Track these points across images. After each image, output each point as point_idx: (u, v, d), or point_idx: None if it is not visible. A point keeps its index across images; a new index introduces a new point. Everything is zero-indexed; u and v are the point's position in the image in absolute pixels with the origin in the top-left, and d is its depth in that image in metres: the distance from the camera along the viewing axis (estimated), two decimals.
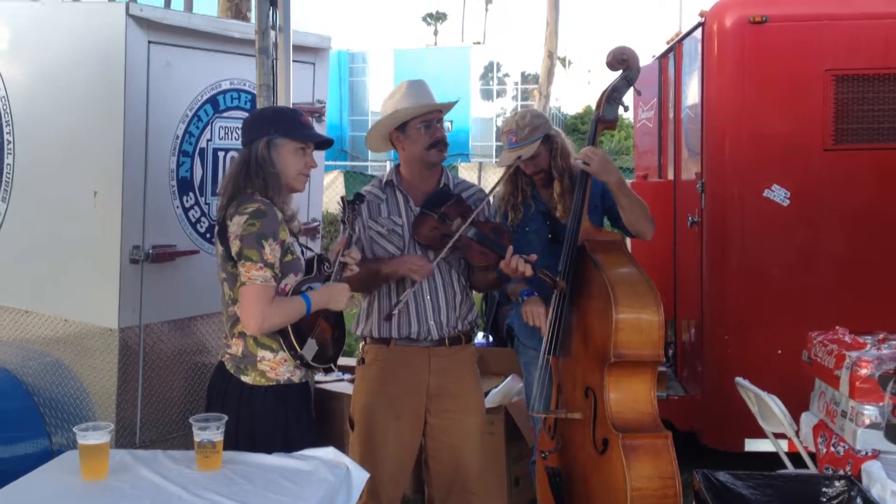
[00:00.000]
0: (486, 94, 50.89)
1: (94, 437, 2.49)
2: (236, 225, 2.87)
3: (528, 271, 3.26)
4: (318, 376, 4.64)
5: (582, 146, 3.62)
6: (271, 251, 2.86)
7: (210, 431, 2.56)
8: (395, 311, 3.38)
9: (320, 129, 4.61)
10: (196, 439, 2.56)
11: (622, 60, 3.51)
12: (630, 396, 3.21)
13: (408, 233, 3.47)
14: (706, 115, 5.05)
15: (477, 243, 3.35)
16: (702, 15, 5.12)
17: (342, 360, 3.25)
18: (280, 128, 3.03)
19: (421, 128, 3.45)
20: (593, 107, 3.80)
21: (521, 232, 3.80)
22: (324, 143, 3.21)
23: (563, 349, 3.49)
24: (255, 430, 2.91)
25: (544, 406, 3.61)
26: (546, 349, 3.50)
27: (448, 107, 3.54)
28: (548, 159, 3.79)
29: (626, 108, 3.58)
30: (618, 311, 3.16)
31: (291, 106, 4.00)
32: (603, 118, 3.53)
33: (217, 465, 2.58)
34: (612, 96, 3.52)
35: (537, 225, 3.84)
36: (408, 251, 3.46)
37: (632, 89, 3.56)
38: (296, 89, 4.24)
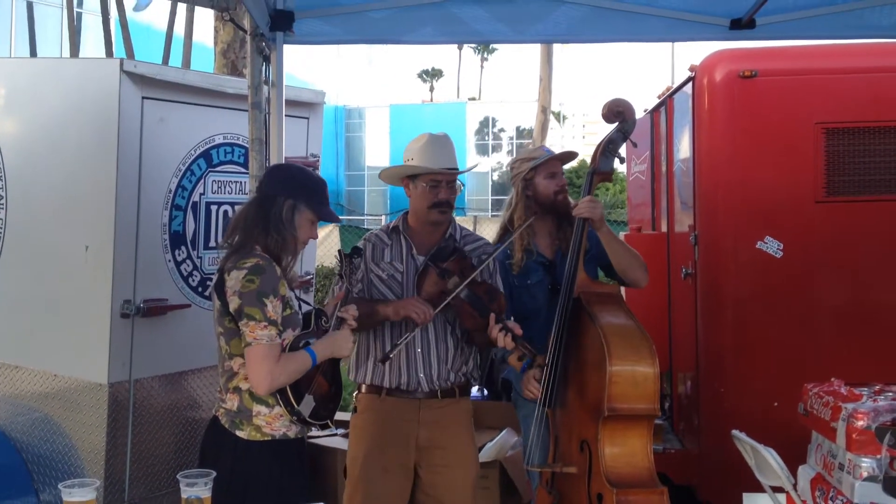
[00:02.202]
0: (482, 149, 51.35)
1: (80, 493, 2.44)
2: (234, 280, 2.85)
3: (509, 344, 3.26)
4: (312, 431, 4.58)
5: (577, 200, 3.62)
6: (273, 308, 2.84)
7: (198, 488, 2.51)
8: (393, 354, 3.35)
9: None
10: (183, 496, 2.51)
11: (618, 112, 3.52)
12: (625, 451, 3.15)
13: (407, 280, 3.48)
14: (698, 168, 5.07)
15: (468, 305, 3.35)
16: (692, 69, 5.16)
17: (336, 415, 3.22)
18: (308, 198, 3.04)
19: (427, 186, 3.46)
20: (588, 161, 3.81)
21: (523, 285, 3.78)
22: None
23: (559, 402, 3.45)
24: (249, 486, 2.87)
25: (541, 460, 3.56)
26: (542, 401, 3.46)
27: (456, 173, 3.52)
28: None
29: (622, 160, 3.59)
30: (612, 363, 3.11)
31: (284, 160, 4.01)
32: (599, 170, 3.54)
33: None
34: (607, 148, 3.52)
35: (538, 277, 3.82)
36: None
37: (628, 141, 3.57)
38: (290, 143, 4.27)
